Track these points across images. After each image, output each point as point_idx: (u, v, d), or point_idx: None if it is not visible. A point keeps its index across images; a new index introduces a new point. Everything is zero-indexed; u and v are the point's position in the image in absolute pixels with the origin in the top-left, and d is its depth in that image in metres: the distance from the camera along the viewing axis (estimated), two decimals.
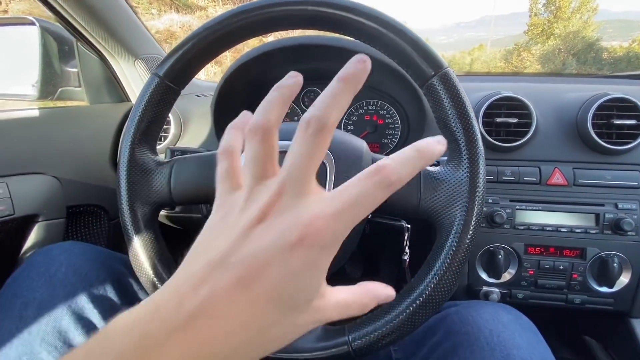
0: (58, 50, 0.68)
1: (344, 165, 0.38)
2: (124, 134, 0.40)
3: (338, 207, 0.18)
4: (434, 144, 0.19)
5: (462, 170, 0.36)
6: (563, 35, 12.59)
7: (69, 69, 0.71)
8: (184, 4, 12.05)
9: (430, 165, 0.42)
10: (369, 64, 0.20)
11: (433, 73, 0.36)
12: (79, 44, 0.66)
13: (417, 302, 0.34)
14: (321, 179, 0.37)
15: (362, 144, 0.42)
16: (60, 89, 0.70)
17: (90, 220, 0.65)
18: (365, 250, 0.96)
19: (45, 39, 0.66)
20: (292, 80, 0.21)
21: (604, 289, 0.57)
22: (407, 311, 0.34)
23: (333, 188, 0.37)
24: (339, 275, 0.42)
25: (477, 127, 0.35)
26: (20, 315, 0.35)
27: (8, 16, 0.73)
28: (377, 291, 0.21)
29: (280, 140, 0.38)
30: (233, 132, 0.24)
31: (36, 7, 0.57)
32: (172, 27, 9.84)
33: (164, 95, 0.40)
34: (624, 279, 0.56)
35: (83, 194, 0.62)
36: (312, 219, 0.17)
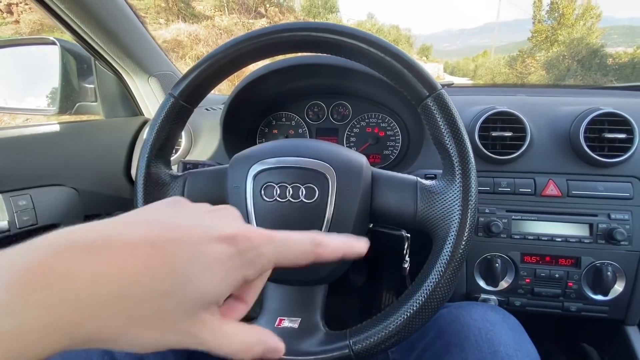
0: (77, 68, 0.73)
1: (345, 179, 0.41)
2: (141, 150, 0.43)
3: (273, 234, 0.20)
4: (359, 244, 0.24)
5: (456, 185, 0.38)
6: (567, 41, 12.60)
7: (87, 85, 0.75)
8: (191, 13, 12.30)
9: (426, 179, 0.45)
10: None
11: (427, 94, 0.39)
12: (96, 62, 0.71)
13: (414, 308, 0.36)
14: (323, 192, 0.40)
15: (361, 158, 0.44)
16: (78, 104, 0.75)
17: None
18: (368, 259, 0.98)
19: (65, 57, 0.71)
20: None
21: (599, 297, 0.59)
22: (405, 316, 0.36)
23: (335, 202, 0.40)
24: (342, 282, 0.45)
25: (469, 145, 0.38)
26: None
27: (31, 37, 0.78)
28: (270, 345, 0.21)
29: (286, 156, 0.41)
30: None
31: (46, 18, 0.61)
32: (179, 36, 10.03)
33: (179, 113, 0.43)
34: (618, 288, 0.58)
35: (99, 204, 0.65)
36: (250, 229, 0.20)
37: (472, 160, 0.38)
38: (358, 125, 0.79)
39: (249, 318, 0.42)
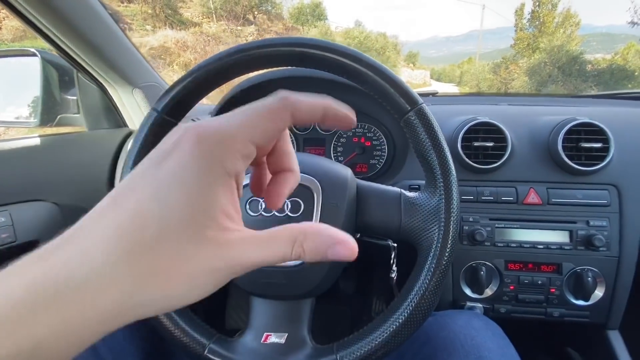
0: (59, 80, 0.71)
1: (330, 193, 0.41)
2: (123, 166, 0.43)
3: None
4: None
5: (437, 197, 0.39)
6: (548, 49, 13.02)
7: (69, 97, 0.73)
8: (179, 20, 12.25)
9: (410, 190, 0.45)
10: None
11: (409, 108, 0.40)
12: (78, 73, 0.69)
13: (400, 320, 0.37)
14: (308, 206, 0.40)
15: (346, 172, 0.45)
16: (59, 116, 0.73)
17: None
18: (358, 268, 0.99)
19: (46, 69, 0.70)
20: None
21: (580, 302, 0.60)
22: (391, 329, 0.37)
23: (320, 215, 0.40)
24: (332, 291, 0.45)
25: (450, 157, 0.39)
26: None
27: (11, 48, 0.76)
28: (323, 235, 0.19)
29: None
30: None
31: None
32: (166, 43, 9.96)
33: (162, 128, 0.42)
34: (599, 293, 0.60)
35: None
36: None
37: (454, 172, 0.39)
38: (345, 135, 0.80)
39: (235, 331, 0.42)
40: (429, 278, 0.37)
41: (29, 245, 0.54)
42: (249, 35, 13.57)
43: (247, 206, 0.40)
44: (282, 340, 0.41)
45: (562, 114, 0.66)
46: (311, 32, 15.46)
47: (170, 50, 9.73)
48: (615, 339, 0.61)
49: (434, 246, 0.38)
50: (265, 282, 0.41)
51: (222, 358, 0.38)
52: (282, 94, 0.19)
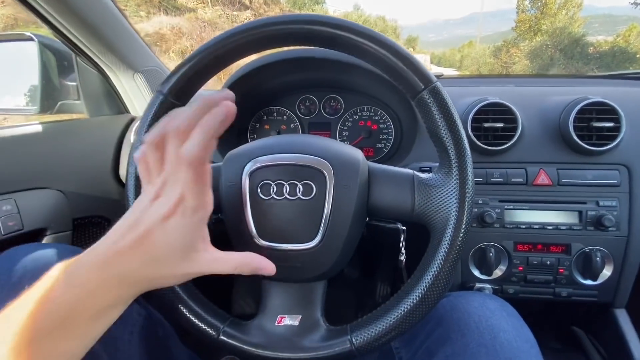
0: (57, 65, 0.69)
1: (342, 175, 0.40)
2: (130, 151, 0.42)
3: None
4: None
5: (453, 178, 0.38)
6: (550, 31, 12.80)
7: (68, 83, 0.72)
8: (173, 5, 11.95)
9: (422, 172, 0.45)
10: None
11: (423, 87, 0.38)
12: (77, 58, 0.68)
13: (415, 301, 0.37)
14: (321, 188, 0.40)
15: (358, 153, 0.44)
16: (59, 103, 0.72)
17: (95, 230, 0.67)
18: (363, 252, 0.99)
19: (44, 54, 0.68)
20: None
21: (589, 282, 0.61)
22: (405, 309, 0.37)
23: (332, 197, 0.39)
24: (337, 275, 0.45)
25: (465, 137, 0.38)
26: None
27: (7, 33, 0.74)
28: (256, 263, 0.33)
29: (282, 152, 0.41)
30: (151, 148, 0.29)
31: (21, 12, 0.58)
32: (161, 30, 9.75)
33: (168, 111, 0.41)
34: (607, 272, 0.60)
35: (87, 206, 0.63)
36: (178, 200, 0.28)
37: (469, 152, 0.38)
38: (351, 119, 0.79)
39: (251, 315, 0.42)
40: (443, 258, 0.37)
41: (36, 233, 0.54)
42: (245, 20, 13.30)
43: (259, 190, 0.40)
44: (296, 322, 0.41)
45: (572, 94, 0.65)
46: None
47: (165, 37, 9.53)
48: (622, 317, 0.62)
49: (449, 227, 0.38)
50: (279, 265, 0.41)
51: (236, 340, 0.38)
52: (186, 162, 0.27)
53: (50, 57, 0.68)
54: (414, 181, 0.41)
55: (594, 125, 0.59)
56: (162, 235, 0.27)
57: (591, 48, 12.41)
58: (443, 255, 0.37)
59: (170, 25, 10.06)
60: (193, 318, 0.39)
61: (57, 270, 0.26)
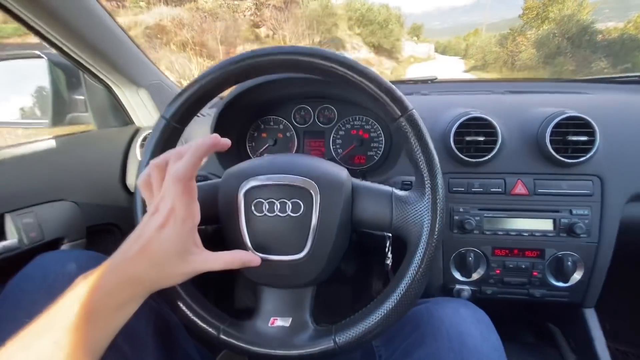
0: (66, 81, 0.74)
1: (327, 193, 0.44)
2: (137, 170, 0.47)
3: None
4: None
5: (425, 197, 0.43)
6: (558, 18, 12.50)
7: (77, 97, 0.77)
8: None
9: (403, 186, 0.49)
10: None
11: (400, 114, 0.42)
12: (84, 75, 0.72)
13: (390, 306, 0.42)
14: (308, 205, 0.44)
15: (342, 172, 0.48)
16: (69, 115, 0.77)
17: (106, 237, 0.73)
18: (358, 253, 1.04)
19: (53, 70, 0.72)
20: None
21: (560, 284, 0.65)
22: (382, 314, 0.41)
23: (319, 214, 0.44)
24: (334, 273, 0.49)
25: (437, 161, 0.42)
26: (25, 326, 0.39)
27: (18, 52, 0.77)
28: (242, 258, 0.40)
29: (274, 173, 0.45)
30: (155, 169, 0.36)
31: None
32: (162, 21, 9.68)
33: (171, 134, 0.46)
34: (577, 276, 0.65)
35: (99, 214, 0.69)
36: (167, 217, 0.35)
37: (440, 175, 0.42)
38: (343, 128, 0.83)
39: (243, 311, 0.47)
40: (415, 269, 0.41)
41: (54, 242, 0.59)
42: (246, 10, 13.13)
43: (253, 207, 0.44)
44: (287, 324, 0.46)
45: (555, 105, 0.68)
46: (311, 5, 14.88)
47: (166, 28, 9.47)
48: (591, 316, 0.67)
49: (422, 241, 0.42)
50: (271, 273, 0.46)
51: (234, 339, 0.44)
52: (174, 179, 0.34)
53: (59, 74, 0.73)
54: (392, 198, 0.46)
55: (570, 139, 0.62)
56: (158, 243, 0.34)
57: (600, 36, 12.12)
58: (416, 266, 0.42)
59: (170, 17, 9.98)
60: (196, 319, 0.44)
61: (86, 276, 0.33)
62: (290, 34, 13.44)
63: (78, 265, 0.43)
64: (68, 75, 0.75)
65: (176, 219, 0.34)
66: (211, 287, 1.06)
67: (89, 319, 0.31)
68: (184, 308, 0.44)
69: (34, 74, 0.73)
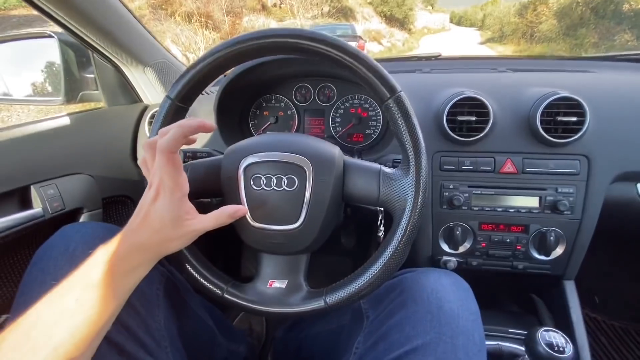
0: (76, 60, 0.77)
1: (320, 169, 0.48)
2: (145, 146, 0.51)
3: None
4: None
5: (410, 174, 0.46)
6: None
7: (87, 75, 0.80)
8: None
9: (393, 164, 0.52)
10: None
11: (389, 96, 0.45)
12: (94, 54, 0.75)
13: (375, 271, 0.46)
14: (302, 181, 0.48)
15: (334, 150, 0.51)
16: (81, 93, 0.81)
17: (120, 207, 0.79)
18: (356, 227, 1.09)
19: (64, 50, 0.76)
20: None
21: (543, 257, 0.69)
22: (367, 278, 0.46)
23: (312, 189, 0.48)
24: (335, 244, 0.53)
25: (422, 142, 0.45)
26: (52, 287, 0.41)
27: (30, 31, 0.79)
28: (228, 211, 0.45)
29: (272, 150, 0.49)
30: (147, 148, 0.40)
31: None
32: None
33: (176, 113, 0.50)
34: (559, 250, 0.68)
35: (113, 187, 0.74)
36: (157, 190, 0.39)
37: (425, 155, 0.45)
38: (342, 107, 0.85)
39: (249, 278, 0.53)
40: (398, 239, 0.45)
41: (74, 212, 0.65)
42: None
43: (252, 182, 0.48)
44: (283, 286, 0.51)
45: (552, 84, 0.69)
46: None
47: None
48: (570, 287, 0.71)
49: (405, 214, 0.46)
50: (269, 241, 0.50)
51: (237, 298, 0.49)
52: (159, 151, 0.39)
53: (70, 53, 0.76)
54: (380, 174, 0.49)
55: (560, 119, 0.64)
56: (154, 213, 0.39)
57: (626, 5, 11.36)
58: (399, 236, 0.46)
59: None
60: (203, 280, 0.50)
61: (104, 245, 0.38)
62: (298, 3, 12.92)
63: (96, 235, 0.47)
64: (78, 54, 0.78)
65: (165, 190, 0.38)
66: (220, 258, 1.14)
67: (105, 281, 0.36)
68: (191, 271, 0.49)
69: (46, 53, 0.76)
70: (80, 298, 0.35)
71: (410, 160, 0.46)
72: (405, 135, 0.46)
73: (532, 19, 14.49)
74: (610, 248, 0.88)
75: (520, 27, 15.61)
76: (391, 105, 0.45)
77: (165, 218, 0.39)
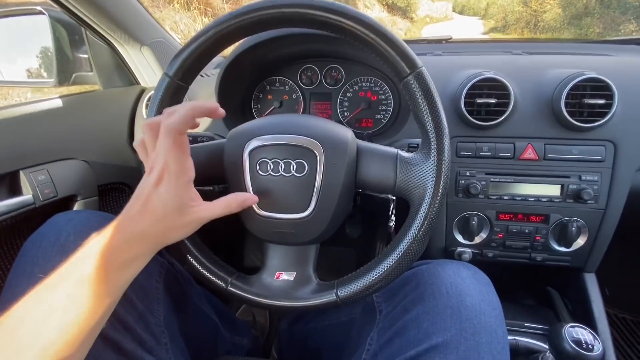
0: (69, 39, 0.73)
1: (332, 154, 0.44)
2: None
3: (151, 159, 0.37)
4: None
5: (431, 158, 0.42)
6: None
7: (81, 55, 0.75)
8: None
9: (409, 149, 0.48)
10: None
11: (409, 72, 0.41)
12: (87, 32, 0.70)
13: (391, 263, 0.43)
14: (312, 166, 0.44)
15: (347, 133, 0.47)
16: (74, 75, 0.76)
17: (117, 195, 0.75)
18: (362, 216, 1.06)
19: (55, 28, 0.71)
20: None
21: (563, 249, 0.66)
22: (382, 270, 0.43)
23: (323, 174, 0.44)
24: (340, 235, 0.50)
25: (445, 122, 0.41)
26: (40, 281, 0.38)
27: (19, 7, 0.74)
28: (238, 199, 0.41)
29: (279, 133, 0.45)
30: (147, 129, 0.37)
31: None
32: None
33: (175, 92, 0.46)
34: (580, 241, 0.65)
35: (109, 173, 0.71)
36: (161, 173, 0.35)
37: (447, 137, 0.41)
38: (351, 90, 0.80)
39: (253, 269, 0.50)
40: (417, 230, 0.42)
41: (68, 199, 0.62)
42: None
43: (257, 167, 0.45)
44: (292, 278, 0.48)
45: (573, 66, 0.64)
46: None
47: None
48: (591, 280, 0.68)
49: (424, 203, 0.42)
50: (276, 231, 0.47)
51: (241, 290, 0.46)
52: (165, 132, 0.35)
53: (62, 31, 0.71)
54: (397, 159, 0.45)
55: (586, 102, 0.60)
56: (157, 199, 0.35)
57: None
58: (417, 226, 0.42)
59: None
60: (205, 272, 0.46)
61: (97, 234, 0.35)
62: None
63: (89, 225, 0.44)
64: (70, 32, 0.74)
65: (170, 174, 0.35)
66: (222, 248, 1.11)
67: (99, 274, 0.32)
68: (193, 262, 0.46)
69: (37, 30, 0.71)
70: (71, 293, 0.31)
71: (432, 143, 0.42)
72: (426, 115, 0.42)
73: (537, 8, 14.24)
74: (633, 240, 0.84)
75: (524, 16, 15.35)
76: (411, 82, 0.41)
77: (169, 205, 0.35)
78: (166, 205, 0.35)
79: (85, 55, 0.75)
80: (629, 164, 0.62)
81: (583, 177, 0.62)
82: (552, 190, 0.64)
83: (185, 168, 0.36)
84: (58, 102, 0.66)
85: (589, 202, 0.62)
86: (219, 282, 0.46)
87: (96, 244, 0.34)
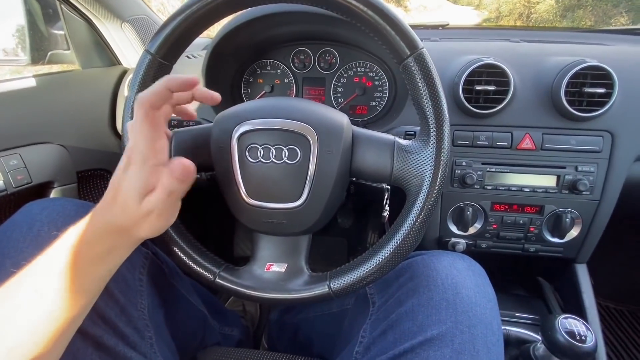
0: (42, 12, 0.67)
1: (326, 140, 0.42)
2: (123, 111, 0.43)
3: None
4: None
5: (429, 146, 0.40)
6: None
7: (56, 32, 0.70)
8: None
9: (406, 136, 0.46)
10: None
11: (409, 53, 0.38)
12: (62, 6, 0.65)
13: (385, 255, 0.41)
14: (305, 153, 0.42)
15: (343, 119, 0.45)
16: (50, 53, 0.71)
17: (98, 182, 0.71)
18: (355, 205, 1.05)
19: (27, 1, 0.65)
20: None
21: (556, 240, 0.66)
22: (376, 263, 0.41)
23: (316, 162, 0.42)
24: (331, 225, 0.48)
25: (445, 108, 0.39)
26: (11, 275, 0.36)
27: None
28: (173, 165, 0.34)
29: (270, 117, 0.42)
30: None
31: None
32: None
33: (157, 71, 0.42)
34: (574, 232, 0.65)
35: (89, 159, 0.66)
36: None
37: (448, 123, 0.39)
38: (345, 75, 0.77)
39: (243, 260, 0.48)
40: (413, 220, 0.40)
41: (44, 186, 0.58)
42: None
43: (247, 153, 0.42)
44: (283, 270, 0.46)
45: (574, 54, 0.63)
46: None
47: None
48: (582, 271, 0.68)
49: (422, 192, 0.40)
50: (268, 221, 0.45)
51: (230, 283, 0.44)
52: (137, 105, 0.32)
53: (34, 4, 0.66)
54: (394, 147, 0.43)
55: (586, 90, 0.58)
56: (125, 184, 0.31)
57: None
58: (414, 217, 0.41)
59: None
60: (192, 264, 0.44)
61: (73, 225, 0.32)
62: None
63: (66, 213, 0.41)
64: (44, 6, 0.68)
65: (137, 156, 0.31)
66: (211, 237, 1.08)
67: (69, 268, 0.30)
68: (179, 253, 0.44)
69: (7, 2, 0.66)
70: (39, 288, 0.29)
71: (431, 129, 0.40)
72: (425, 100, 0.39)
73: None
74: (626, 231, 0.85)
75: (517, 7, 15.32)
76: (411, 64, 0.39)
77: (134, 190, 0.31)
78: (132, 190, 0.31)
79: (61, 32, 0.70)
80: (626, 154, 0.61)
81: (579, 168, 0.62)
82: (548, 180, 0.63)
83: (155, 149, 0.32)
84: (31, 82, 0.61)
85: (584, 193, 0.62)
86: (206, 274, 0.44)
87: (68, 235, 0.31)
